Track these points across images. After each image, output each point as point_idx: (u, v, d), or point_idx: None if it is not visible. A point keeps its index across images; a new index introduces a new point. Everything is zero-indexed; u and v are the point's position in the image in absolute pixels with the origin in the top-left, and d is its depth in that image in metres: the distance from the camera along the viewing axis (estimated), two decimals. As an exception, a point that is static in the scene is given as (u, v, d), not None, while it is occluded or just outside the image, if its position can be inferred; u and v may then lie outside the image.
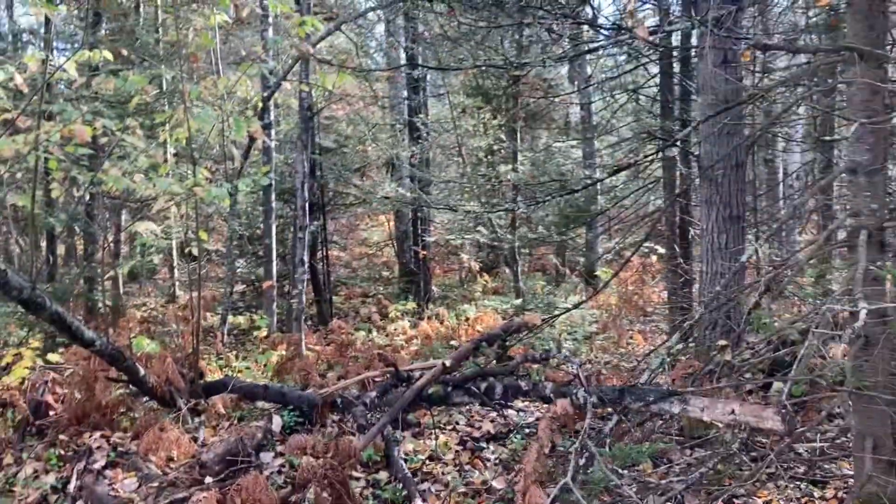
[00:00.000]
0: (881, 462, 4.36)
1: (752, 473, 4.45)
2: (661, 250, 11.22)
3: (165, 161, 8.30)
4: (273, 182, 11.13)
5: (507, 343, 6.68)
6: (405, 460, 5.72)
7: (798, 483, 5.36)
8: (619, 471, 4.36)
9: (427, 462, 5.87)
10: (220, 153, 12.97)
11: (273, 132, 11.40)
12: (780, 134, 10.61)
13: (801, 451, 5.70)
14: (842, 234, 5.04)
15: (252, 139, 9.48)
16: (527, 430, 6.44)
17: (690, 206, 9.14)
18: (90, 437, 5.75)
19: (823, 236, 4.58)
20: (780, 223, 5.63)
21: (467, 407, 6.69)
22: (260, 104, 9.77)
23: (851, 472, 5.28)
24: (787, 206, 9.93)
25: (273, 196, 11.25)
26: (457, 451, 6.10)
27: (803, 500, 5.17)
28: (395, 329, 10.84)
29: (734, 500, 4.85)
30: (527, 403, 6.82)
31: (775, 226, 5.53)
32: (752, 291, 5.08)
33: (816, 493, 5.26)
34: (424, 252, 13.25)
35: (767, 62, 7.65)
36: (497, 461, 5.94)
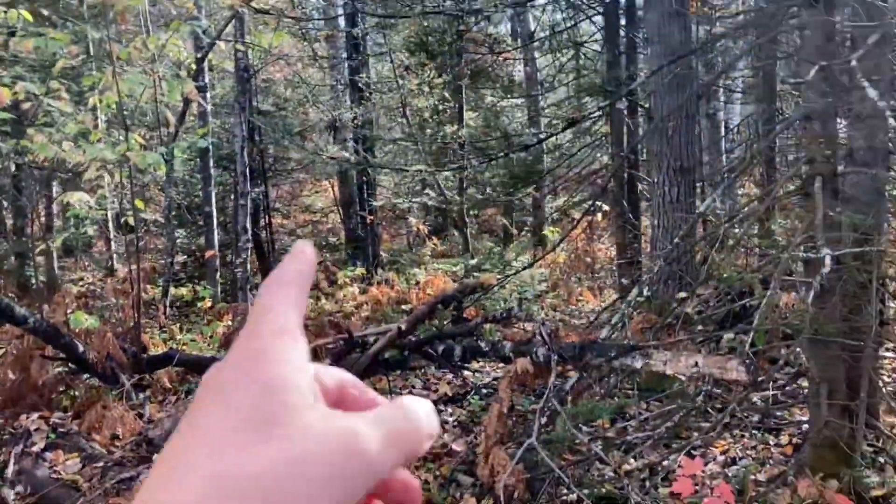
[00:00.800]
0: (836, 407, 4.40)
1: (712, 426, 4.45)
2: (606, 207, 11.23)
3: (96, 127, 7.88)
4: (211, 147, 10.74)
5: (463, 304, 6.57)
6: (362, 427, 5.59)
7: (754, 431, 5.42)
8: (583, 428, 4.31)
9: (384, 428, 5.76)
10: (155, 120, 12.44)
11: (209, 95, 10.97)
12: (721, 87, 10.65)
13: (756, 400, 5.76)
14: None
15: (187, 102, 9.07)
16: (485, 391, 6.37)
17: (638, 160, 9.12)
18: (27, 418, 5.46)
19: (780, 183, 4.55)
20: (735, 174, 5.59)
21: (423, 370, 6.59)
22: (193, 66, 9.35)
23: (805, 419, 5.35)
24: (734, 157, 9.99)
25: (211, 162, 10.86)
26: (414, 416, 5.99)
27: (759, 448, 5.23)
28: (345, 295, 10.65)
29: (692, 450, 4.87)
30: (483, 364, 6.75)
31: (733, 176, 5.49)
32: (708, 243, 5.04)
33: (771, 441, 5.33)
34: (371, 217, 13.02)
35: (713, 13, 7.61)
36: (456, 423, 5.86)
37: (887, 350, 6.19)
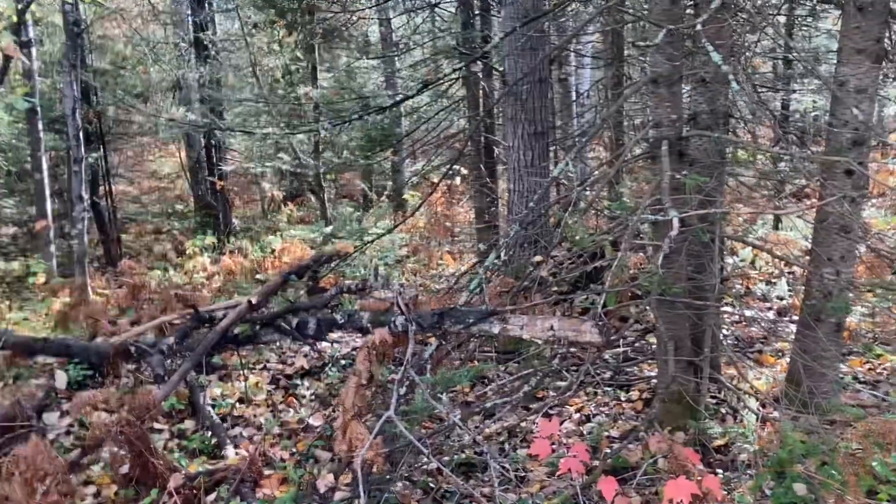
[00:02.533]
0: (682, 363, 4.58)
1: (568, 385, 4.52)
2: (464, 171, 11.25)
3: None
4: (38, 108, 9.84)
5: (319, 274, 6.35)
6: (212, 406, 5.32)
7: (606, 389, 5.59)
8: (444, 396, 4.25)
9: (237, 405, 5.51)
10: (-28, 78, 11.24)
11: (35, 51, 10.02)
12: (572, 52, 10.84)
13: (608, 358, 5.94)
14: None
15: (7, 58, 8.19)
16: (343, 363, 6.22)
17: (495, 124, 9.13)
18: None
19: (628, 146, 4.62)
20: (587, 138, 5.68)
21: (278, 344, 6.35)
22: (14, 18, 8.45)
23: (653, 374, 5.57)
24: (585, 122, 10.22)
25: (40, 125, 9.97)
26: (269, 391, 5.77)
27: (612, 405, 5.40)
28: (194, 266, 10.12)
29: (549, 411, 4.95)
30: (342, 335, 6.58)
31: (584, 140, 5.57)
32: (563, 207, 5.09)
33: (623, 396, 5.51)
34: (222, 182, 12.42)
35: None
36: (313, 397, 5.69)
37: (727, 305, 6.55)
